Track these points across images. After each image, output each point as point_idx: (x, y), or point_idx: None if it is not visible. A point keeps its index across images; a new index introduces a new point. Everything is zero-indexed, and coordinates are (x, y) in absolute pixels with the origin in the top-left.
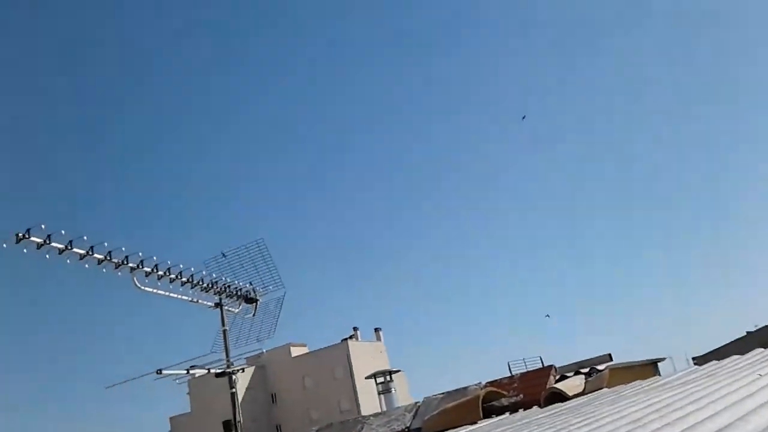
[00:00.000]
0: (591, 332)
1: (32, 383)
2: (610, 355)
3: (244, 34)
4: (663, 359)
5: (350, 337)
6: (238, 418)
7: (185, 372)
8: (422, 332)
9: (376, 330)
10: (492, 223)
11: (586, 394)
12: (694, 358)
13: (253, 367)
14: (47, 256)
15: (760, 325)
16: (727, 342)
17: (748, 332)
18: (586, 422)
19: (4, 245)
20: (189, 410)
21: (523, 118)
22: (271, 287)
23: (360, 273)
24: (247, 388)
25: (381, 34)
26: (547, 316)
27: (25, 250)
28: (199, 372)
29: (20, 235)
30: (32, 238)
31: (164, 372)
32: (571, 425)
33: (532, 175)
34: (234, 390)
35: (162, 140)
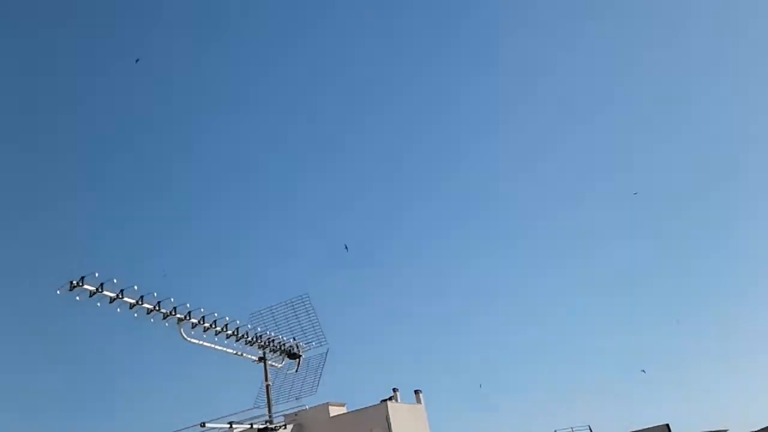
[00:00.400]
0: (641, 399)
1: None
2: (668, 425)
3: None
4: (725, 431)
5: (390, 398)
6: None
7: (228, 426)
8: (461, 397)
9: (416, 392)
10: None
11: None
12: None
13: (292, 425)
14: (98, 304)
15: None
16: None
17: None
18: None
19: (58, 292)
20: None
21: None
22: (314, 343)
23: (401, 334)
24: None
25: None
26: (643, 371)
27: (77, 298)
28: (240, 427)
29: (74, 282)
30: (85, 286)
31: (208, 425)
32: None
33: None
34: None
35: (215, 198)
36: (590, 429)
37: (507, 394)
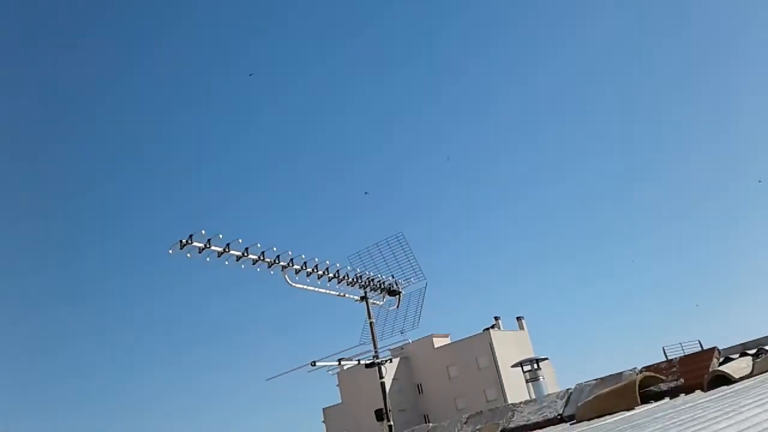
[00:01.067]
0: (749, 312)
1: (200, 376)
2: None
3: None
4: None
5: (492, 327)
6: (388, 407)
7: (336, 363)
8: (566, 320)
9: (518, 319)
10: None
11: (754, 376)
12: None
13: (398, 359)
14: (207, 259)
15: None
16: None
17: None
18: (756, 403)
19: (170, 251)
20: (339, 401)
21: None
22: (413, 279)
23: (501, 261)
24: (393, 379)
25: None
26: (760, 181)
27: (188, 255)
28: (348, 364)
29: (184, 241)
30: (194, 243)
31: (318, 364)
32: (741, 407)
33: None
34: (383, 380)
35: (304, 142)
36: (700, 343)
37: (613, 312)
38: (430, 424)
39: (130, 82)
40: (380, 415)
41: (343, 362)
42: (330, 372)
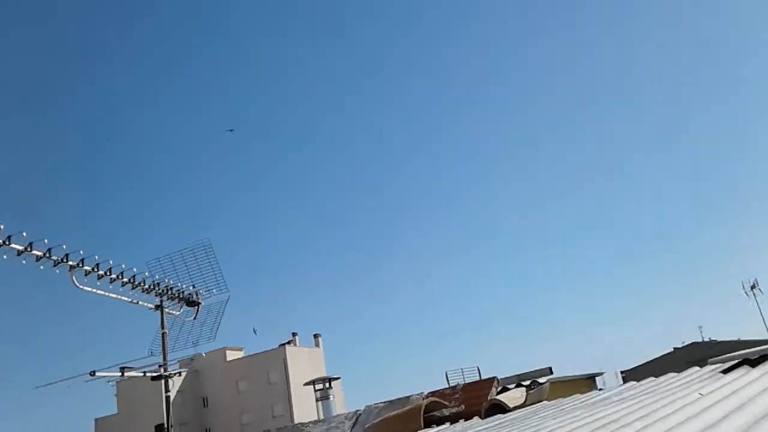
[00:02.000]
0: (525, 345)
1: None
2: (550, 368)
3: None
4: (600, 374)
5: (288, 342)
6: (170, 423)
7: (119, 374)
8: (359, 341)
9: (315, 336)
10: (429, 227)
11: (527, 406)
12: (622, 372)
13: (186, 370)
14: None
15: (688, 342)
16: (656, 357)
17: (675, 348)
18: None
19: None
20: (116, 411)
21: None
22: (214, 290)
23: (300, 279)
24: (178, 391)
25: None
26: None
27: None
28: (132, 374)
29: None
30: None
31: (98, 374)
32: None
33: (467, 183)
34: (169, 393)
35: (109, 135)
36: (478, 370)
37: (404, 336)
38: None
39: None
40: (161, 429)
41: (126, 373)
42: (110, 383)
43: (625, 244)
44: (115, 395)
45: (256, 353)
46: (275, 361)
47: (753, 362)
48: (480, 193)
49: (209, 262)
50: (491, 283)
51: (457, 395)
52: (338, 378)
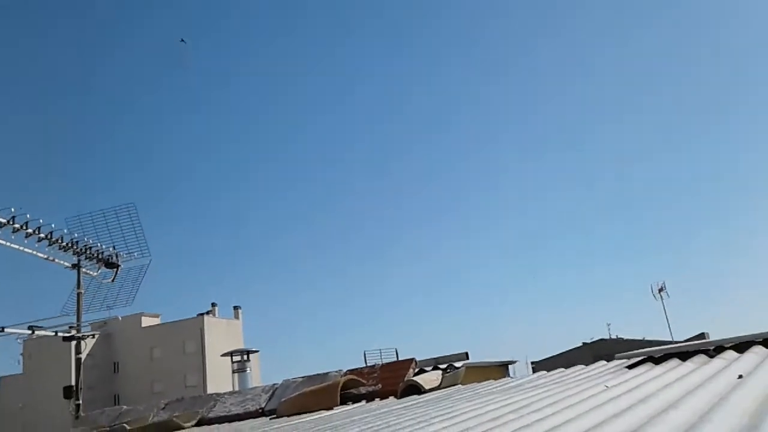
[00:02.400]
0: (443, 331)
1: None
2: (467, 353)
3: None
4: (513, 362)
5: (207, 313)
6: (80, 386)
7: (29, 332)
8: (279, 316)
9: (235, 308)
10: (353, 216)
11: (442, 388)
12: (533, 362)
13: (98, 333)
14: None
15: (596, 338)
16: (564, 351)
17: (584, 343)
18: (445, 416)
19: None
20: (21, 371)
21: (182, 41)
22: (136, 254)
23: (225, 249)
24: (88, 355)
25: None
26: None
27: None
28: (42, 333)
29: None
30: None
31: (6, 330)
32: (431, 418)
33: (386, 171)
34: (80, 356)
35: (35, 89)
36: (396, 352)
37: (324, 314)
38: (124, 407)
39: None
40: (69, 392)
41: (37, 332)
42: (18, 340)
43: (543, 242)
44: (21, 354)
45: (174, 321)
46: (192, 330)
47: (656, 360)
48: (399, 183)
49: (132, 224)
50: (414, 270)
51: (375, 374)
52: (257, 351)
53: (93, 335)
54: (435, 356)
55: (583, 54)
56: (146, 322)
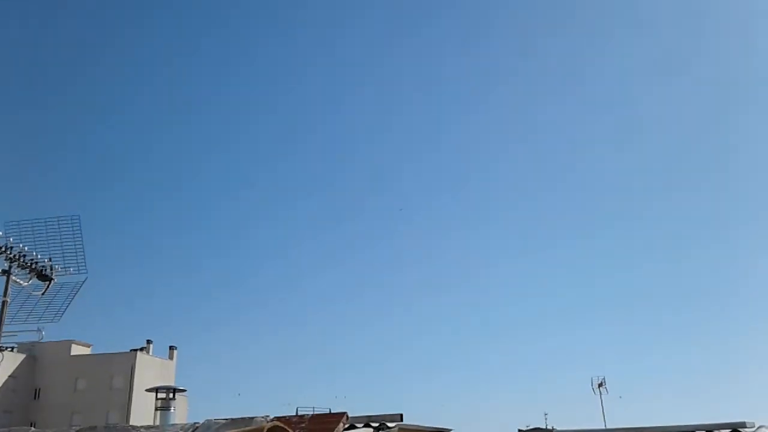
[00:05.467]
0: (384, 394)
1: None
2: (401, 415)
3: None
4: (449, 430)
5: (141, 349)
6: None
7: None
8: (218, 363)
9: (171, 348)
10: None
11: None
12: None
13: (25, 355)
14: None
15: (531, 426)
16: None
17: (519, 429)
18: None
19: None
20: None
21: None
22: (72, 269)
23: (171, 286)
24: (10, 376)
25: None
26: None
27: None
28: None
29: None
30: None
31: None
32: None
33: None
34: None
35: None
36: (330, 411)
37: (260, 366)
38: (32, 429)
39: None
40: None
41: None
42: None
43: (489, 317)
44: None
45: (105, 353)
46: (123, 365)
47: None
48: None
49: (73, 237)
50: (363, 333)
51: (303, 424)
52: (184, 390)
53: (12, 348)
54: (368, 414)
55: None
56: (76, 350)
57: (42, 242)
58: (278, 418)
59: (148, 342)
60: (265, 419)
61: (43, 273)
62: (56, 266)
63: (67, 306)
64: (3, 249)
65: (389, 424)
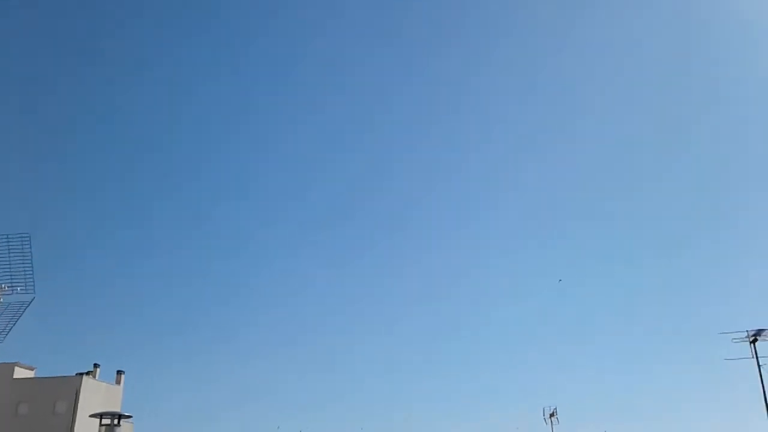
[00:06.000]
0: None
1: None
2: None
3: None
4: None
5: (87, 373)
6: None
7: None
8: (169, 390)
9: (119, 372)
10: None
11: None
12: None
13: None
14: None
15: None
16: None
17: None
18: None
19: None
20: None
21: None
22: (19, 288)
23: (118, 310)
24: None
25: None
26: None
27: None
28: None
29: None
30: None
31: None
32: None
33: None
34: None
35: None
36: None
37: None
38: None
39: None
40: None
41: None
42: None
43: (441, 358)
44: None
45: (48, 377)
46: (67, 390)
47: None
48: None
49: (22, 256)
50: (328, 371)
51: None
52: (130, 416)
53: None
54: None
55: None
56: (19, 373)
57: None
58: None
59: (96, 366)
60: None
61: None
62: (3, 284)
63: (12, 326)
64: None
65: None
